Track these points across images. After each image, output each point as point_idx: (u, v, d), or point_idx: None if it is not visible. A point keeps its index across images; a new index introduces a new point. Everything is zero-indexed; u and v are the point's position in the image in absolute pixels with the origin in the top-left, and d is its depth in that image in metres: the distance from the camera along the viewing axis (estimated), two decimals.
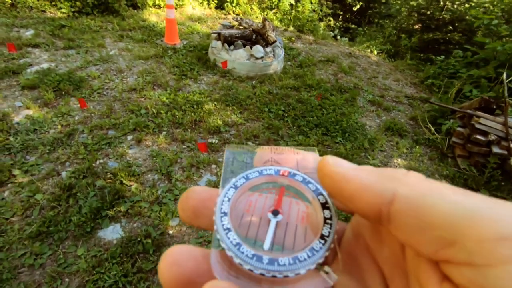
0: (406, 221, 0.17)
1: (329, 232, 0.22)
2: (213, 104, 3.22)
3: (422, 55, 6.29)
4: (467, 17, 5.32)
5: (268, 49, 3.92)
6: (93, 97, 3.03)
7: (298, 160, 0.26)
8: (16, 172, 2.15)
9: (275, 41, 4.09)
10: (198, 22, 5.73)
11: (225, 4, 6.50)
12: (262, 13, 6.92)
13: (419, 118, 3.57)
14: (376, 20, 8.01)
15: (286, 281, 0.20)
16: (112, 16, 5.22)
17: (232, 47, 3.90)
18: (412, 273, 0.19)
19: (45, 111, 2.76)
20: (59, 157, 2.32)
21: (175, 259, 0.20)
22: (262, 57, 3.85)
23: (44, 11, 4.92)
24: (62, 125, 2.61)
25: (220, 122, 2.94)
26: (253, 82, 3.83)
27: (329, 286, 0.20)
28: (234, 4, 6.51)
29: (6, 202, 1.95)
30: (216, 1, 6.58)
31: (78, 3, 5.10)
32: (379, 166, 2.83)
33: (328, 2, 7.56)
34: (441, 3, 5.90)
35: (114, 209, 2.00)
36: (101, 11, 5.22)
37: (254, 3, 6.90)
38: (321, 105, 3.56)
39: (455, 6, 5.77)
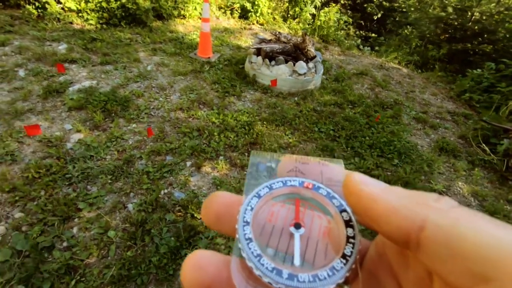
0: (436, 249, 0.16)
1: (352, 252, 0.21)
2: (263, 125, 3.12)
3: (448, 65, 6.22)
4: (499, 29, 5.26)
5: (311, 64, 3.82)
6: (142, 118, 2.92)
7: (323, 172, 0.26)
8: (81, 205, 2.03)
9: (315, 56, 4.00)
10: (225, 33, 5.64)
11: (249, 14, 6.41)
12: (285, 23, 6.85)
13: (470, 137, 3.48)
14: (394, 29, 7.95)
15: None
16: (140, 27, 5.12)
17: (273, 62, 3.81)
18: None
19: (96, 134, 2.65)
20: (122, 188, 2.20)
21: (198, 263, 0.20)
22: (304, 73, 3.75)
23: (72, 23, 4.81)
24: (118, 151, 2.50)
25: (276, 145, 2.83)
26: (296, 98, 3.73)
27: None
28: (258, 14, 6.42)
29: (78, 240, 1.84)
30: (239, 11, 6.49)
31: (105, 15, 5.00)
32: (442, 191, 2.73)
33: (348, 11, 7.50)
34: (469, 13, 5.84)
35: (192, 246, 1.89)
36: (129, 22, 5.12)
37: (277, 13, 6.82)
38: (368, 123, 3.47)
39: (484, 17, 5.71)
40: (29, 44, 3.84)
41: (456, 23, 5.86)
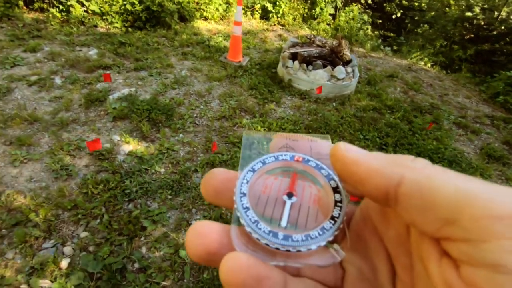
0: (412, 202, 0.18)
1: (339, 214, 0.23)
2: (309, 133, 3.05)
3: (471, 66, 6.13)
4: None
5: (349, 69, 3.74)
6: (187, 128, 2.84)
7: (312, 147, 0.28)
8: (145, 223, 1.97)
9: (351, 60, 3.92)
10: (249, 35, 5.54)
11: (270, 15, 6.31)
12: (305, 23, 6.74)
13: None
14: (413, 28, 7.84)
15: (299, 255, 0.22)
16: (164, 29, 5.02)
17: (310, 67, 3.73)
18: (415, 251, 0.20)
19: (145, 145, 2.58)
20: (183, 203, 2.14)
21: (200, 231, 0.22)
22: (343, 78, 3.68)
23: (96, 26, 4.72)
24: (172, 163, 2.43)
25: None
26: (334, 104, 3.65)
27: (337, 262, 0.22)
28: (279, 15, 6.32)
29: (150, 262, 1.77)
30: (260, 12, 6.39)
31: (130, 17, 4.91)
32: None
33: (367, 11, 7.40)
34: (495, 13, 5.74)
35: None
36: (153, 24, 5.03)
37: (297, 13, 6.72)
38: (411, 129, 3.40)
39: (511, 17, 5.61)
40: (59, 50, 3.76)
41: (482, 23, 5.76)
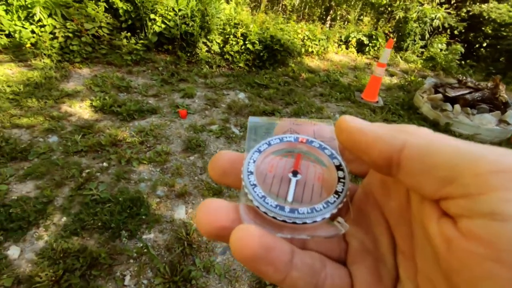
0: (413, 165, 0.18)
1: (342, 189, 0.24)
2: None
3: None
4: None
5: None
6: None
7: (315, 130, 0.28)
8: None
9: (507, 102, 3.78)
10: (357, 71, 5.51)
11: (366, 48, 6.31)
12: (396, 56, 6.71)
13: None
14: (497, 56, 7.70)
15: (304, 227, 0.23)
16: (280, 68, 5.05)
17: (474, 111, 3.60)
18: (415, 218, 0.20)
19: None
20: None
21: (210, 208, 0.23)
22: None
23: (219, 66, 4.78)
24: None
25: None
26: None
27: (341, 233, 0.23)
28: (376, 48, 6.32)
29: None
30: (355, 45, 6.41)
31: (249, 57, 4.97)
32: None
33: (453, 41, 7.34)
34: None
35: None
36: (271, 63, 5.06)
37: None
38: None
39: None
40: (211, 95, 3.78)
41: None
